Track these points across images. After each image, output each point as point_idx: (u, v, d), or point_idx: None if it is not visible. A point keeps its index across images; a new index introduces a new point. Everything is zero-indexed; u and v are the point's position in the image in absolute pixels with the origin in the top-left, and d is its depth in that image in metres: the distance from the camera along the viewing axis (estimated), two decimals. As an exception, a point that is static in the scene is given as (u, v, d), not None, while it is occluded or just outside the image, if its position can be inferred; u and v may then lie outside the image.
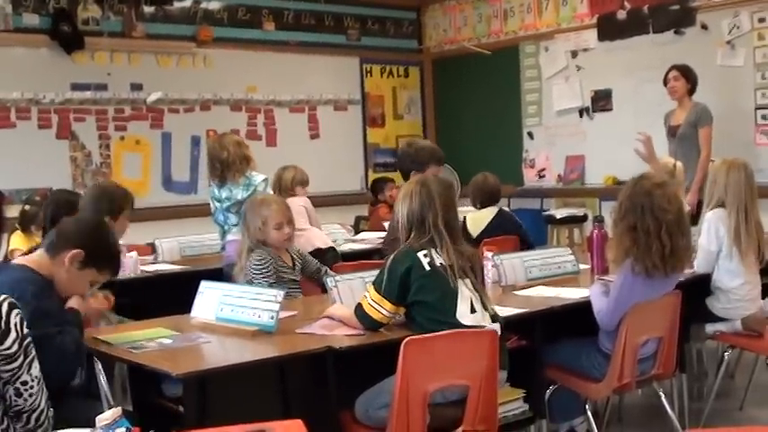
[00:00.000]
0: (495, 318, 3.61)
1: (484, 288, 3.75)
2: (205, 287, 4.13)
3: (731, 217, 4.72)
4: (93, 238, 3.55)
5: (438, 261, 3.52)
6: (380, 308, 3.56)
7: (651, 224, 3.89)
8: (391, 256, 3.61)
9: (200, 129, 9.23)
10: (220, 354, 3.59)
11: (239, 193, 5.79)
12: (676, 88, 7.50)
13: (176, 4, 9.20)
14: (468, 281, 3.57)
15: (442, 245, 3.55)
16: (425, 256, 3.53)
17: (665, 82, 7.58)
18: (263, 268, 4.68)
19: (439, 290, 3.50)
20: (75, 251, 3.41)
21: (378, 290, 3.57)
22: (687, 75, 7.50)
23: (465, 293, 3.53)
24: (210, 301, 4.00)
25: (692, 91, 7.50)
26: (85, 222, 3.81)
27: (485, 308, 3.59)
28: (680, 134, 7.37)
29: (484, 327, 3.51)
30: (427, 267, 3.51)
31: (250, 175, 5.87)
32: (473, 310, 3.53)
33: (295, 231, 5.01)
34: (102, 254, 3.54)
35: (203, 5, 9.38)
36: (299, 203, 6.74)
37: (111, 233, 3.73)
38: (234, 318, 3.82)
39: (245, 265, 4.73)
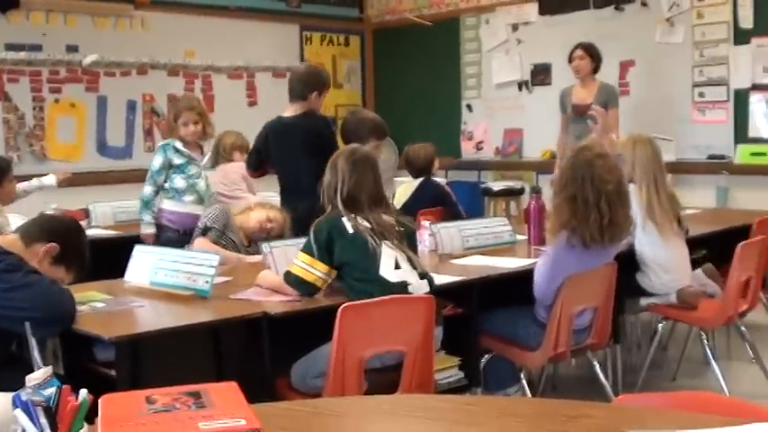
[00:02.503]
0: (423, 275, 3.66)
1: (413, 251, 3.75)
2: (139, 251, 4.09)
3: (642, 191, 4.71)
4: (70, 236, 3.51)
5: (360, 225, 3.59)
6: (313, 269, 3.58)
7: (591, 194, 3.91)
8: (315, 222, 3.67)
9: (137, 93, 9.09)
10: (154, 318, 3.55)
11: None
12: (581, 67, 7.53)
13: (114, -35, 9.04)
14: (388, 242, 3.61)
15: (357, 212, 3.63)
16: (348, 220, 3.59)
17: (570, 60, 7.62)
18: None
19: (360, 250, 3.55)
20: (51, 245, 3.38)
21: (308, 252, 3.60)
22: (592, 53, 7.55)
23: (388, 252, 3.58)
24: (144, 265, 3.95)
25: (595, 70, 7.56)
26: (65, 220, 3.76)
27: (413, 266, 3.63)
28: (591, 114, 7.34)
29: (410, 283, 3.57)
30: (350, 230, 3.57)
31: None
32: (397, 267, 3.58)
33: (233, 199, 5.06)
34: (76, 254, 3.51)
35: (142, -33, 9.23)
36: (237, 170, 6.72)
37: (86, 236, 3.71)
38: (168, 282, 3.78)
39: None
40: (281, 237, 4.96)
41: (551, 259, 4.06)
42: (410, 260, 3.64)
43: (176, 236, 5.52)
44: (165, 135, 6.87)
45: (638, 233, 4.72)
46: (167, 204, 5.68)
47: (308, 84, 5.63)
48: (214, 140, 6.84)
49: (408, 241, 3.74)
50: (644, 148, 4.83)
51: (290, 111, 5.66)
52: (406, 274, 3.59)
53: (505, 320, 4.22)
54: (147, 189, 5.68)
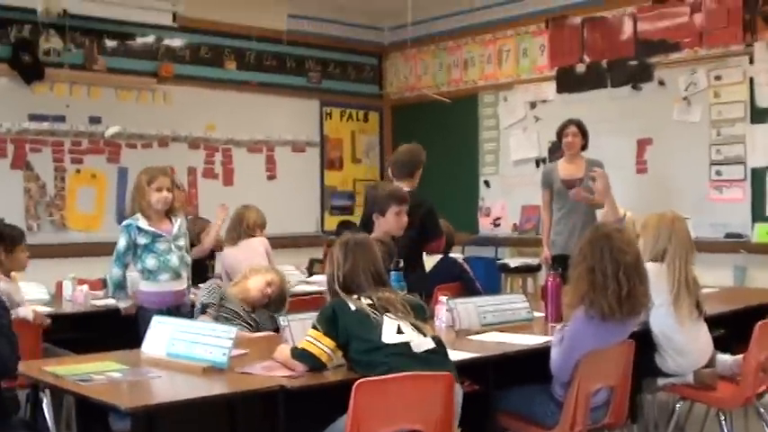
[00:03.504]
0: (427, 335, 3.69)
1: (422, 321, 3.79)
2: (157, 322, 4.09)
3: (675, 269, 4.71)
4: None
5: (362, 303, 3.64)
6: (319, 343, 3.59)
7: (609, 265, 3.95)
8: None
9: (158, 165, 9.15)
10: (170, 389, 3.54)
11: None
12: (575, 143, 7.56)
13: (138, 40, 9.21)
14: (390, 314, 3.64)
15: (358, 292, 3.72)
16: (353, 301, 3.66)
17: (562, 136, 7.64)
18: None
19: (363, 323, 3.58)
20: None
21: (315, 328, 3.64)
22: (584, 131, 7.61)
23: (390, 322, 3.60)
24: (162, 336, 3.95)
25: (584, 146, 7.62)
26: None
27: (418, 330, 3.65)
28: (583, 187, 7.28)
29: (412, 341, 3.59)
30: (353, 307, 3.62)
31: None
32: (399, 332, 3.59)
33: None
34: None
35: (165, 42, 9.39)
36: (259, 246, 6.74)
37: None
38: (185, 354, 3.78)
39: None
40: (283, 298, 5.00)
41: (569, 333, 4.05)
42: (416, 326, 3.66)
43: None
44: (184, 207, 6.81)
45: (657, 312, 4.69)
46: (144, 286, 5.52)
47: (413, 163, 6.15)
48: (234, 216, 6.86)
49: (415, 312, 3.76)
50: (682, 225, 4.83)
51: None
52: (409, 336, 3.59)
53: (522, 398, 4.19)
54: (116, 271, 5.53)
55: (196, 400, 3.30)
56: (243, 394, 3.40)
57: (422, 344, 3.60)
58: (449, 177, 10.27)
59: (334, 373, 3.62)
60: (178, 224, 5.63)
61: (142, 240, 5.47)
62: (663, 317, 4.69)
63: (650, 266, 4.70)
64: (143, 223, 5.48)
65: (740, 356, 4.83)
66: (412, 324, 3.66)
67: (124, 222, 5.61)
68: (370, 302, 3.65)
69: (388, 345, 3.53)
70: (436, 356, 3.61)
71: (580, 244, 4.16)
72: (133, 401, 3.14)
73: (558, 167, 7.69)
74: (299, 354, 3.60)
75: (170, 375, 3.64)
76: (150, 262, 5.47)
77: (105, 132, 8.82)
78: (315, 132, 10.62)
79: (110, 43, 8.98)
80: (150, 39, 9.28)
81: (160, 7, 9.04)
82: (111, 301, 5.92)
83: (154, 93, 9.23)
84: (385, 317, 3.61)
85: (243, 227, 6.89)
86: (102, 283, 6.46)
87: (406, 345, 3.56)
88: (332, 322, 3.61)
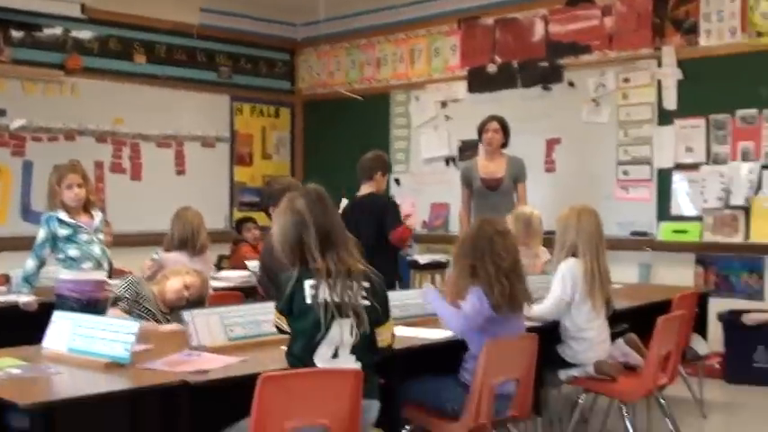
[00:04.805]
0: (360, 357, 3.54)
1: (382, 305, 3.63)
2: (57, 317, 4.02)
3: (586, 266, 4.81)
4: None
5: (321, 296, 3.44)
6: (283, 324, 3.55)
7: (491, 267, 4.16)
8: (283, 276, 3.54)
9: (64, 159, 8.78)
10: (70, 385, 3.47)
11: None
12: (495, 140, 7.52)
13: (46, 31, 9.01)
14: (347, 321, 3.47)
15: (327, 275, 3.47)
16: (312, 287, 3.46)
17: (483, 132, 7.59)
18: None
19: (307, 328, 3.45)
20: None
21: (276, 306, 3.57)
22: (505, 127, 7.58)
23: (334, 338, 3.46)
24: (63, 331, 3.88)
25: (505, 144, 7.59)
26: None
27: (355, 352, 3.51)
28: (504, 187, 7.45)
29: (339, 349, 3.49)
30: (309, 300, 3.45)
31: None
32: (335, 356, 3.48)
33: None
34: None
35: (74, 34, 9.20)
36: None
37: None
38: (87, 349, 3.71)
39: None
40: (201, 300, 4.94)
41: (469, 304, 4.19)
42: (355, 346, 3.49)
43: (78, 306, 5.28)
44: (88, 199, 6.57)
45: (573, 309, 4.79)
46: (66, 274, 5.48)
47: (372, 167, 6.87)
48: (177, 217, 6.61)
49: (376, 299, 3.58)
50: (589, 219, 4.91)
51: (362, 190, 6.87)
52: (342, 362, 3.48)
53: (430, 386, 4.25)
54: (30, 263, 5.50)
55: (96, 396, 3.24)
56: (145, 390, 3.35)
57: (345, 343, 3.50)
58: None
59: (243, 367, 3.59)
60: (99, 218, 5.64)
61: (63, 232, 5.44)
62: (577, 310, 4.78)
63: (569, 262, 4.81)
64: (64, 215, 5.45)
65: (629, 336, 4.96)
66: (355, 344, 3.50)
67: (45, 215, 5.56)
68: (331, 299, 3.43)
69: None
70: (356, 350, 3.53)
71: (462, 236, 4.40)
72: (31, 398, 3.06)
73: (477, 165, 7.68)
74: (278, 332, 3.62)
75: (71, 371, 3.57)
76: (73, 252, 5.45)
77: (10, 125, 8.63)
78: (225, 128, 10.52)
79: (16, 34, 8.77)
80: (58, 30, 9.08)
81: (68, -1, 8.88)
82: (12, 297, 5.79)
83: (61, 85, 9.05)
84: (336, 325, 3.44)
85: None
86: (5, 279, 6.32)
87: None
88: (288, 304, 3.48)
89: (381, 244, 6.33)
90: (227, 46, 10.53)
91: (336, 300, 3.45)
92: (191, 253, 6.28)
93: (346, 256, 3.55)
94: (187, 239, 6.33)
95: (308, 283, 3.47)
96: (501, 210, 6.87)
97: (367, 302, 3.54)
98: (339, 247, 3.55)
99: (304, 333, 3.46)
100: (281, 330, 3.59)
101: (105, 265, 5.61)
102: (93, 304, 5.29)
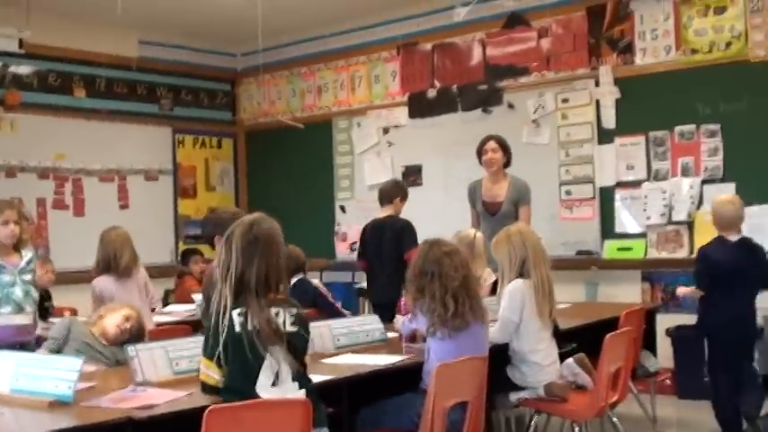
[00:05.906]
0: (303, 384, 3.53)
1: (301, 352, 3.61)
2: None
3: (536, 278, 4.81)
4: None
5: (251, 324, 3.41)
6: (211, 373, 3.48)
7: (438, 290, 4.24)
8: (206, 319, 3.53)
9: (4, 196, 8.79)
10: (14, 427, 3.40)
11: None
12: (495, 160, 7.17)
13: (-17, 67, 8.92)
14: (278, 348, 3.44)
15: (250, 304, 3.44)
16: (240, 315, 3.42)
17: (482, 153, 7.27)
18: None
19: (242, 357, 3.40)
20: None
21: (204, 353, 3.50)
22: (504, 146, 7.25)
23: (271, 365, 3.43)
24: (5, 371, 3.80)
25: (507, 164, 7.28)
26: None
27: (296, 378, 3.49)
28: (503, 212, 7.10)
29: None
30: (238, 328, 3.41)
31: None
32: (275, 383, 3.44)
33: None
34: None
35: (12, 69, 9.10)
36: (143, 278, 6.52)
37: None
38: (29, 389, 3.64)
39: None
40: (141, 332, 4.90)
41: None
42: (294, 371, 3.47)
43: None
44: (33, 239, 6.49)
45: (522, 330, 4.79)
46: None
47: (390, 193, 7.41)
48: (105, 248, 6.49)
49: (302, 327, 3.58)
50: (530, 234, 4.96)
51: (382, 212, 7.38)
52: (283, 392, 3.44)
53: (386, 408, 4.25)
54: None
55: (41, 435, 3.19)
56: (89, 427, 3.29)
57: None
58: (304, 203, 10.28)
59: (189, 401, 3.55)
60: (27, 258, 5.43)
61: None
62: (525, 331, 4.78)
63: (516, 283, 4.81)
64: None
65: (578, 356, 4.96)
66: (293, 369, 3.48)
67: None
68: (258, 328, 3.39)
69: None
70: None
71: (415, 257, 4.45)
72: (-28, 440, 3.01)
73: (482, 185, 7.35)
74: (202, 385, 3.54)
75: (14, 412, 3.49)
76: None
77: (-52, 163, 8.51)
78: (167, 160, 10.46)
79: (-48, 70, 8.68)
80: (-5, 65, 9.01)
81: (6, 33, 8.76)
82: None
83: (0, 121, 8.95)
84: (270, 353, 3.41)
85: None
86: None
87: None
88: (215, 345, 3.40)
89: (401, 263, 6.51)
90: (168, 78, 10.48)
91: (265, 326, 3.42)
92: (115, 276, 6.17)
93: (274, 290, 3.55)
94: (110, 261, 6.21)
95: (235, 312, 3.43)
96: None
97: (295, 329, 3.53)
98: (273, 286, 3.55)
99: (241, 363, 3.40)
100: (208, 387, 3.50)
101: (28, 308, 5.37)
102: (18, 349, 5.12)
